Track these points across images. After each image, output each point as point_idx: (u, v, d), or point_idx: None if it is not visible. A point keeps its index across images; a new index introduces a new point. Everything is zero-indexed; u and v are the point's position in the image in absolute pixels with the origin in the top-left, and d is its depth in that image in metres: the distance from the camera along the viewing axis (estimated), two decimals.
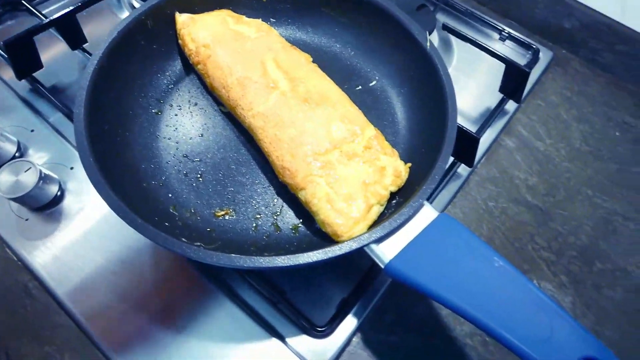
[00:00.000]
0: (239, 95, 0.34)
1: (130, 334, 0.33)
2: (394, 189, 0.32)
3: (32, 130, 0.41)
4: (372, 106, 0.39)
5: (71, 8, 0.42)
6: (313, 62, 0.38)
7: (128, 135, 0.34)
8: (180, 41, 0.38)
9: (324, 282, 0.37)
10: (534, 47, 0.51)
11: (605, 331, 0.38)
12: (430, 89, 0.35)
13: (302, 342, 0.34)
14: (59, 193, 0.38)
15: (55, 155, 0.40)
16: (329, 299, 0.36)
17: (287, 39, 0.40)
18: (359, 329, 0.36)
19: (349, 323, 0.35)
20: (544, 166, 0.46)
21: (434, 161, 0.31)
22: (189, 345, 0.33)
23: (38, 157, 0.40)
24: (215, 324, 0.34)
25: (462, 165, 0.43)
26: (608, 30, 0.50)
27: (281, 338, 0.34)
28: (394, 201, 0.33)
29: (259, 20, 0.39)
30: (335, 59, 0.41)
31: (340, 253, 0.27)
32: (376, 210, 0.31)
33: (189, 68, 0.39)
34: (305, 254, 0.27)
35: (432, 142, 0.33)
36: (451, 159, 0.43)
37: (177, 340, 0.33)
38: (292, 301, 0.35)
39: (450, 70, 0.50)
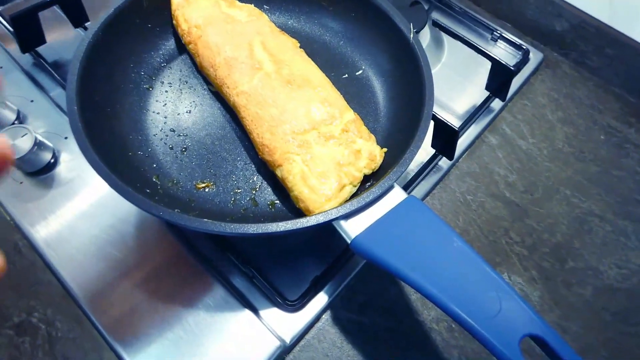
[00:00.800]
0: (225, 74, 0.35)
1: (110, 295, 0.35)
2: (367, 171, 0.33)
3: (31, 101, 0.43)
4: (356, 94, 0.40)
5: None
6: (301, 48, 0.40)
7: (118, 107, 0.36)
8: (174, 22, 0.39)
9: (299, 260, 0.38)
10: (524, 48, 0.52)
11: (572, 326, 0.39)
12: (410, 80, 0.36)
13: (274, 314, 0.36)
14: (52, 160, 0.40)
15: (51, 126, 0.42)
16: (303, 276, 0.37)
17: (279, 26, 0.41)
18: (329, 307, 0.37)
19: (320, 300, 0.37)
20: (525, 164, 0.47)
21: (406, 146, 0.32)
22: (166, 312, 0.35)
23: (35, 126, 0.42)
24: (194, 295, 0.36)
25: (444, 158, 0.44)
26: (596, 32, 0.50)
27: (254, 310, 0.36)
28: (368, 184, 0.34)
29: (251, 6, 0.40)
30: (325, 47, 0.42)
31: (308, 225, 0.29)
32: (348, 190, 0.32)
33: (182, 48, 0.41)
34: (274, 224, 0.28)
35: (408, 130, 0.34)
36: (432, 151, 0.44)
37: (156, 306, 0.35)
38: (267, 276, 0.37)
39: (439, 66, 0.51)
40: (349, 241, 0.29)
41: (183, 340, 0.34)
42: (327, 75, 0.39)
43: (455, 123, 0.46)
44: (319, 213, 0.30)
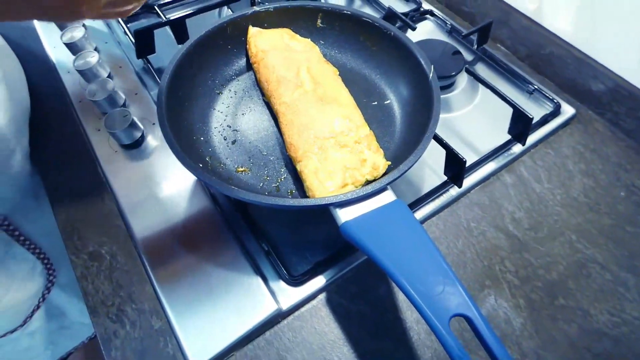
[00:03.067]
0: (274, 88, 0.45)
1: (158, 243, 0.45)
2: (369, 178, 0.40)
3: (135, 94, 0.57)
4: (380, 118, 0.48)
5: (183, 14, 0.58)
6: (342, 76, 0.49)
7: (193, 103, 0.47)
8: (247, 46, 0.51)
9: (309, 243, 0.46)
10: (556, 101, 0.56)
11: (548, 357, 0.41)
12: (423, 109, 0.43)
13: (278, 285, 0.43)
14: (140, 138, 0.52)
15: (145, 113, 0.55)
16: (309, 258, 0.44)
17: (329, 57, 0.51)
18: (325, 289, 0.44)
19: (319, 281, 0.43)
20: (535, 205, 0.50)
21: (403, 161, 0.39)
22: (196, 264, 0.44)
23: (134, 111, 0.55)
24: (221, 256, 0.44)
25: (455, 187, 0.50)
26: (629, 95, 0.53)
27: (263, 278, 0.44)
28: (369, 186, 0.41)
29: (308, 40, 0.51)
30: (363, 78, 0.51)
31: (309, 204, 0.36)
32: (349, 189, 0.39)
33: (249, 67, 0.52)
34: (282, 198, 0.36)
35: (412, 149, 0.41)
36: (444, 178, 0.50)
37: (190, 257, 0.44)
38: (279, 252, 0.44)
39: (471, 107, 0.58)
40: (339, 224, 0.36)
41: (202, 287, 0.42)
42: (360, 101, 0.47)
43: (473, 158, 0.52)
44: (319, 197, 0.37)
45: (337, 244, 0.45)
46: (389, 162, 0.41)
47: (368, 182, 0.41)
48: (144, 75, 0.59)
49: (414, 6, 0.68)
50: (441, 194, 0.49)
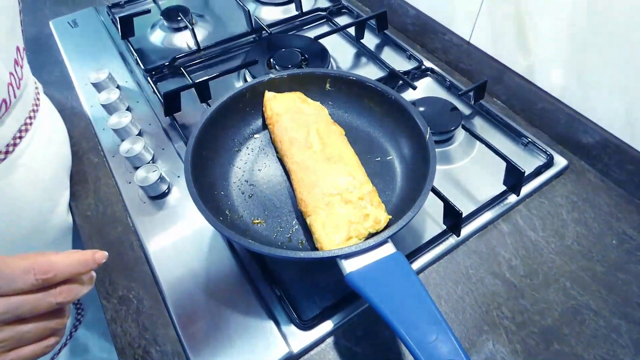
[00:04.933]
0: (287, 148, 0.51)
1: (182, 289, 0.49)
2: (372, 231, 0.45)
3: (163, 149, 0.63)
4: (383, 173, 0.52)
5: (207, 77, 0.65)
6: (348, 135, 0.54)
7: (215, 161, 0.52)
8: (264, 108, 0.57)
9: (318, 289, 0.49)
10: (549, 153, 0.60)
11: None
12: (421, 166, 0.48)
13: (290, 329, 0.47)
14: (167, 190, 0.58)
15: (171, 167, 0.61)
16: (318, 303, 0.48)
17: (336, 118, 0.57)
18: (333, 333, 0.47)
19: (327, 325, 0.47)
20: (530, 253, 0.53)
21: (403, 214, 0.43)
22: (215, 309, 0.48)
23: (161, 165, 0.61)
24: (237, 302, 0.48)
25: (454, 235, 0.53)
26: (616, 149, 0.57)
27: (277, 323, 0.47)
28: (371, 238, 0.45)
29: (318, 103, 0.56)
30: (367, 136, 0.56)
31: (316, 257, 0.41)
32: (354, 241, 0.44)
33: (265, 126, 0.57)
34: (293, 251, 0.41)
35: (411, 203, 0.45)
36: (444, 227, 0.54)
37: (209, 303, 0.48)
38: (290, 298, 0.48)
39: (468, 160, 0.62)
40: (344, 274, 0.41)
41: (220, 331, 0.46)
42: (364, 157, 0.52)
43: (471, 208, 0.56)
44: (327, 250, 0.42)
45: (344, 290, 0.49)
46: (390, 216, 0.46)
47: (371, 235, 0.45)
48: (171, 131, 0.65)
49: (415, 64, 0.74)
50: (441, 242, 0.53)
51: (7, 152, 0.51)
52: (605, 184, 0.59)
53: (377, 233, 0.45)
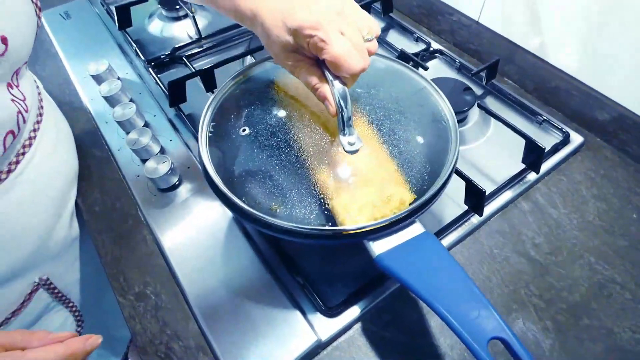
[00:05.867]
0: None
1: (200, 280, 0.48)
2: (397, 212, 0.43)
3: (170, 140, 0.61)
4: (403, 150, 0.51)
5: (212, 65, 0.63)
6: None
7: (232, 147, 0.51)
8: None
9: (340, 275, 0.48)
10: (565, 131, 0.60)
11: None
12: (441, 142, 0.47)
13: (316, 317, 0.46)
14: (177, 182, 0.56)
15: (181, 158, 0.59)
16: (342, 290, 0.47)
17: None
18: (360, 319, 0.46)
19: (354, 311, 0.46)
20: (553, 230, 0.53)
21: (427, 192, 0.42)
22: (237, 301, 0.46)
23: (170, 156, 0.59)
24: (260, 292, 0.47)
25: (476, 215, 0.52)
26: (634, 125, 0.56)
27: (302, 311, 0.46)
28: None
29: None
30: None
31: (348, 232, 0.39)
32: None
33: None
34: (319, 227, 0.40)
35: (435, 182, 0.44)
36: (465, 207, 0.53)
37: (230, 294, 0.47)
38: (314, 286, 0.47)
39: (484, 139, 0.61)
40: (373, 257, 0.39)
41: (244, 322, 0.45)
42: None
43: (491, 187, 0.55)
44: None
45: (367, 275, 0.48)
46: (415, 196, 0.45)
47: (394, 215, 0.44)
48: (177, 122, 0.63)
49: (423, 46, 0.73)
50: (463, 223, 0.52)
51: (9, 171, 0.46)
52: (622, 160, 0.59)
53: (402, 214, 0.44)
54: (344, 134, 0.43)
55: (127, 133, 0.59)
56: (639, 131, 0.56)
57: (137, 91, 0.67)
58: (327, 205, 0.44)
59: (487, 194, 0.53)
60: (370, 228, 0.39)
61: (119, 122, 0.60)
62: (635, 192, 0.56)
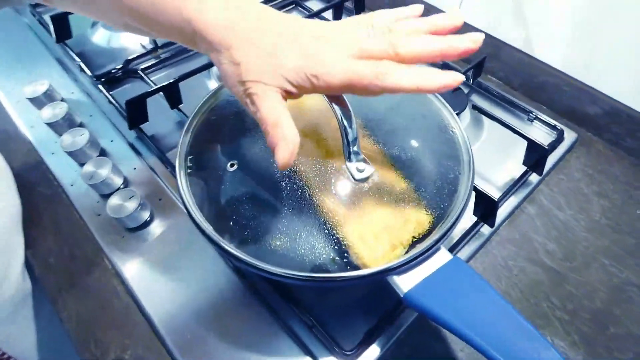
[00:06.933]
0: None
1: (189, 335, 0.41)
2: (416, 235, 0.39)
3: (134, 168, 0.53)
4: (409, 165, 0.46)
5: (176, 78, 0.55)
6: None
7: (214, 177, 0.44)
8: None
9: (353, 312, 0.43)
10: (559, 128, 0.58)
11: None
12: (448, 149, 0.43)
13: None
14: (149, 218, 0.48)
15: (149, 189, 0.51)
16: (357, 329, 0.42)
17: None
18: (381, 358, 0.41)
19: (374, 351, 0.41)
20: (562, 233, 0.50)
21: (441, 208, 0.38)
22: (235, 353, 0.40)
23: (136, 187, 0.51)
24: (261, 340, 0.41)
25: (486, 225, 0.49)
26: (628, 117, 0.55)
27: (313, 357, 0.40)
28: (417, 244, 0.39)
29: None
30: None
31: (364, 274, 0.34)
32: (400, 251, 0.37)
33: None
34: (338, 274, 0.34)
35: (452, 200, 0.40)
36: (475, 219, 0.49)
37: (227, 347, 0.40)
38: (325, 326, 0.41)
39: (479, 144, 0.58)
40: (401, 295, 0.34)
41: None
42: None
43: (495, 194, 0.51)
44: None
45: (379, 308, 0.43)
46: (432, 215, 0.40)
47: (416, 240, 0.39)
48: (140, 146, 0.55)
49: None
50: (473, 235, 0.49)
51: None
52: (616, 154, 0.58)
53: (422, 238, 0.39)
54: (351, 160, 0.38)
55: (81, 165, 0.50)
56: (633, 124, 0.55)
57: (88, 113, 0.58)
58: (338, 237, 0.39)
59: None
60: (397, 265, 0.34)
61: (69, 153, 0.51)
62: (634, 186, 0.55)
